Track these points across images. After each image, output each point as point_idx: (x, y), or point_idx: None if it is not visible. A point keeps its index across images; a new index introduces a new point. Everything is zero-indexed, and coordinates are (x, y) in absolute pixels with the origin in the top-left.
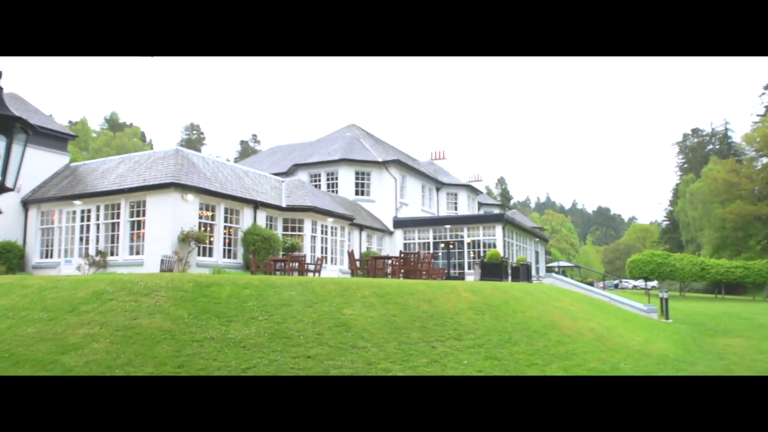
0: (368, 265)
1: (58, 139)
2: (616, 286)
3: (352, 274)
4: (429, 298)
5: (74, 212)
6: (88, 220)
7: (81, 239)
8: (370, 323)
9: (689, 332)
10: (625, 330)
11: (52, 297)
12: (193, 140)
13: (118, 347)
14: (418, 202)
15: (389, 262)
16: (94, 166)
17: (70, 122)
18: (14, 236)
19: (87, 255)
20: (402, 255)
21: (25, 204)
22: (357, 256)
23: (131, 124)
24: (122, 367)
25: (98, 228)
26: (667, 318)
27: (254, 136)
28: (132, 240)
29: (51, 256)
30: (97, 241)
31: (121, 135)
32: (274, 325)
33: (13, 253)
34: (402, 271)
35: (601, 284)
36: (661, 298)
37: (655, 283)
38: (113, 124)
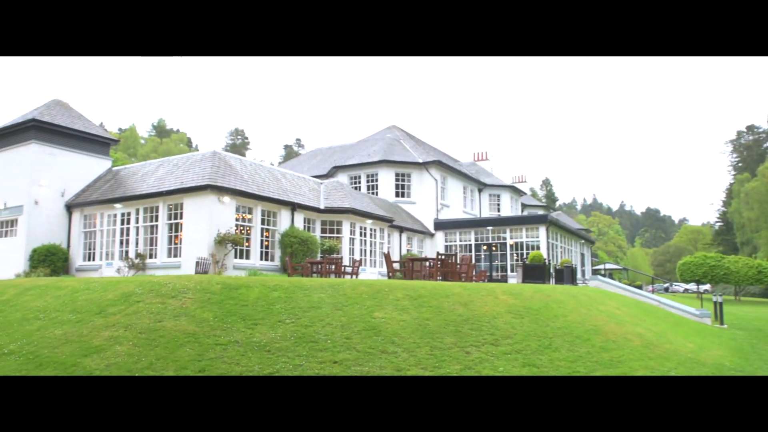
0: (405, 267)
1: (101, 144)
2: (666, 289)
3: (389, 276)
4: (465, 301)
5: (115, 215)
6: (128, 223)
7: (121, 242)
8: (401, 327)
9: (747, 339)
10: (675, 336)
11: (82, 299)
12: (238, 145)
13: (140, 350)
14: (459, 203)
15: (426, 264)
16: (134, 169)
17: (120, 129)
18: (59, 239)
19: (127, 257)
20: (439, 256)
21: (69, 208)
22: (397, 257)
23: (178, 131)
24: (142, 370)
25: (138, 231)
26: (721, 323)
27: (298, 140)
28: (170, 242)
29: (93, 259)
30: (137, 243)
31: (167, 141)
32: (301, 329)
33: (57, 255)
34: (440, 273)
35: (650, 287)
36: (715, 302)
37: (707, 286)
38: (161, 130)
